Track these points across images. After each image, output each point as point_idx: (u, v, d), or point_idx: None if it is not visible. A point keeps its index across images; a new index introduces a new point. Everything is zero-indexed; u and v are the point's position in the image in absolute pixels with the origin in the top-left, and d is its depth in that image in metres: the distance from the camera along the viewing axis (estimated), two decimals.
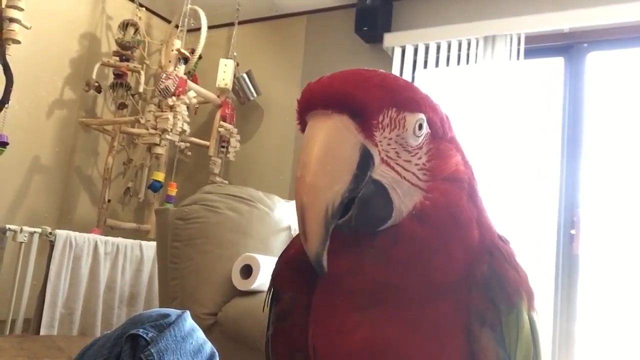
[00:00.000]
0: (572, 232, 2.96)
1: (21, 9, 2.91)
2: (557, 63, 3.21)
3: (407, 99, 0.63)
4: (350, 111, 0.58)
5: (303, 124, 0.63)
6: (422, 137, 0.64)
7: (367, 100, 0.59)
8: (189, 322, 1.21)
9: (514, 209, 2.99)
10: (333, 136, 0.58)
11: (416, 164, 0.64)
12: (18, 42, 2.94)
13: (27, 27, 2.97)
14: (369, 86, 0.60)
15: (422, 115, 0.64)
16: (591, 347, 2.89)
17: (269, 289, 0.83)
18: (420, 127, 0.63)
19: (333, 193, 0.57)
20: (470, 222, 0.65)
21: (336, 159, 0.57)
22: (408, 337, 0.65)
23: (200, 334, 1.22)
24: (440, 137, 0.67)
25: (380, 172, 0.61)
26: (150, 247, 3.22)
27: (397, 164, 0.62)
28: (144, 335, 1.11)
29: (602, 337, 2.89)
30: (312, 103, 0.60)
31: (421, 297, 0.65)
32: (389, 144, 0.62)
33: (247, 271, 2.15)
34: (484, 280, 0.65)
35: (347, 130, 0.59)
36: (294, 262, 0.77)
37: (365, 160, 0.59)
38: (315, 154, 0.57)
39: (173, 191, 3.59)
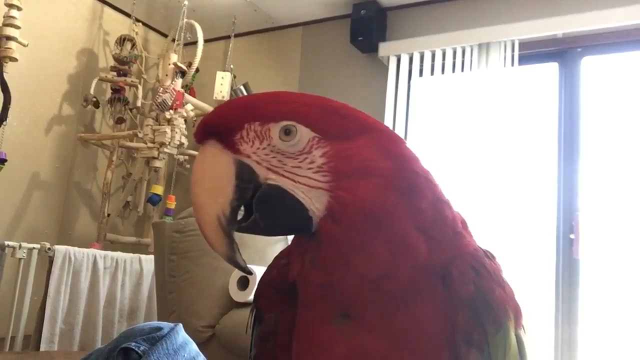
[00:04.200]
0: (572, 236, 2.95)
1: (18, 27, 2.94)
2: (551, 68, 3.23)
3: (270, 110, 0.66)
4: (215, 135, 0.66)
5: None
6: (299, 143, 0.65)
7: (225, 121, 0.66)
8: (181, 335, 1.20)
9: (512, 214, 2.98)
10: (206, 158, 0.66)
11: (309, 168, 0.65)
12: (15, 59, 2.96)
13: (24, 45, 2.99)
14: (230, 107, 0.68)
15: (286, 123, 0.65)
16: (594, 353, 2.87)
17: (252, 310, 0.82)
18: (288, 133, 0.65)
19: (218, 205, 0.63)
20: (393, 217, 0.64)
21: (213, 177, 0.65)
22: (388, 351, 0.64)
23: (193, 347, 1.22)
24: (337, 138, 0.66)
25: (273, 179, 0.65)
26: (149, 261, 3.19)
27: (285, 170, 0.65)
28: (136, 349, 1.10)
29: (605, 342, 2.87)
30: (196, 138, 0.68)
31: (379, 304, 0.65)
32: (266, 154, 0.65)
33: (244, 282, 2.15)
34: (470, 300, 0.65)
35: (217, 150, 0.65)
36: (276, 283, 0.78)
37: (242, 170, 0.65)
38: (194, 178, 0.66)
39: (172, 204, 3.58)
